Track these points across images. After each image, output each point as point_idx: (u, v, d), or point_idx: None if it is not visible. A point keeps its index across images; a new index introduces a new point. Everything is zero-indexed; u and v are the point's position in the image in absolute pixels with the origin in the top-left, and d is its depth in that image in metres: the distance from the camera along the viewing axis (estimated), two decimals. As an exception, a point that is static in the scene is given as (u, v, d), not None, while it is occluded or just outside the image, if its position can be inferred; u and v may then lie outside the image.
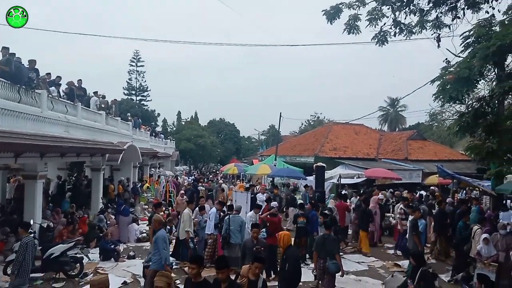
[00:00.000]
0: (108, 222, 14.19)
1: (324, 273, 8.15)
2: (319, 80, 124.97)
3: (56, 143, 11.66)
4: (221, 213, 11.29)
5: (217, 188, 19.36)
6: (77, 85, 15.54)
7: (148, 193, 20.53)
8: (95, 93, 17.80)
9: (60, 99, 13.61)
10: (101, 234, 12.93)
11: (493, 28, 7.88)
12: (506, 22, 7.80)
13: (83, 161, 17.44)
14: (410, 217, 11.22)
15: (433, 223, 12.53)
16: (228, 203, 13.65)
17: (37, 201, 11.74)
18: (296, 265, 7.07)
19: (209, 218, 11.14)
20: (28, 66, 11.36)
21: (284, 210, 18.33)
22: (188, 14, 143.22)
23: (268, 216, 11.02)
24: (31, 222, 10.41)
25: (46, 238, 11.36)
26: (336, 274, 8.16)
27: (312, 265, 11.19)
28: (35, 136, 10.69)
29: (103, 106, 18.01)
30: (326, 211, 12.29)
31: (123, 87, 56.84)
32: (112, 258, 11.56)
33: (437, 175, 19.33)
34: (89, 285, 6.48)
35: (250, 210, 11.58)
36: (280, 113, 29.83)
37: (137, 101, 55.76)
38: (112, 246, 11.96)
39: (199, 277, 5.05)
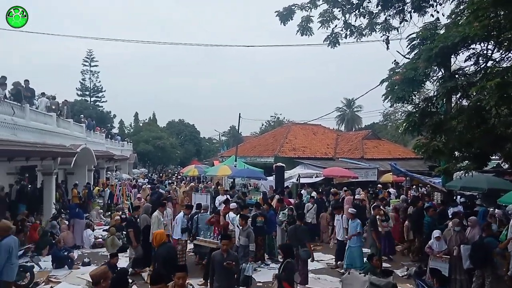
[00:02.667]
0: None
1: (297, 260, 8.78)
2: (280, 82, 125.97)
3: (2, 146, 11.09)
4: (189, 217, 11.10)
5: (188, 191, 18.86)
6: (24, 85, 14.81)
7: (99, 199, 19.84)
8: (43, 93, 17.03)
9: (5, 100, 12.96)
10: (53, 241, 12.41)
11: (438, 31, 8.26)
12: (450, 26, 8.20)
13: (35, 165, 16.69)
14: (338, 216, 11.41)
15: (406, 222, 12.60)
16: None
17: (-17, 208, 11.14)
18: (165, 261, 6.98)
19: (176, 222, 10.84)
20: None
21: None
22: (144, 13, 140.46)
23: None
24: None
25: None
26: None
27: (272, 264, 11.40)
28: (-21, 140, 10.15)
29: (53, 107, 17.30)
30: (285, 211, 12.42)
31: (76, 88, 54.88)
32: (66, 266, 11.13)
33: (391, 173, 20.01)
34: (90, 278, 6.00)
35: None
36: (240, 113, 29.90)
37: (92, 102, 53.94)
38: (66, 253, 11.51)
39: None
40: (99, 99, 55.38)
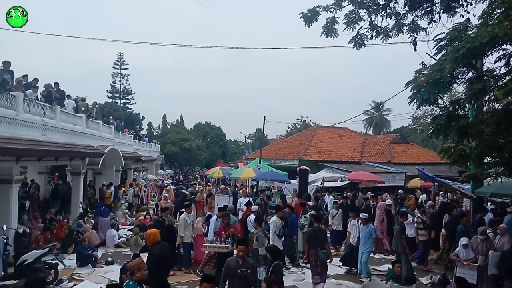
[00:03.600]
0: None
1: (316, 262, 9.11)
2: (305, 84, 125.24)
3: (32, 146, 11.42)
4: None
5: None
6: (54, 88, 15.25)
7: (122, 200, 20.08)
8: (68, 96, 17.44)
9: (37, 101, 13.34)
10: (79, 240, 12.68)
11: (468, 32, 7.93)
12: (481, 26, 7.86)
13: (65, 165, 17.14)
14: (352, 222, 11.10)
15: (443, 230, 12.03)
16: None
17: (13, 206, 11.43)
18: (158, 260, 7.05)
19: (210, 226, 10.76)
20: (2, 68, 11.09)
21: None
22: (172, 18, 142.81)
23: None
24: (4, 228, 10.19)
25: (21, 244, 11.12)
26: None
27: (293, 269, 11.30)
28: (10, 139, 10.44)
29: (83, 109, 17.74)
30: (307, 215, 12.24)
31: (107, 90, 56.28)
32: (90, 264, 11.34)
33: (419, 178, 19.48)
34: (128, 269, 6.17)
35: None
36: (264, 116, 29.72)
37: (121, 105, 55.17)
38: (90, 252, 11.74)
39: None
40: (128, 101, 56.64)
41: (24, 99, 12.06)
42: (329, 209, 15.41)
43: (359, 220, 10.84)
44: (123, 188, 20.15)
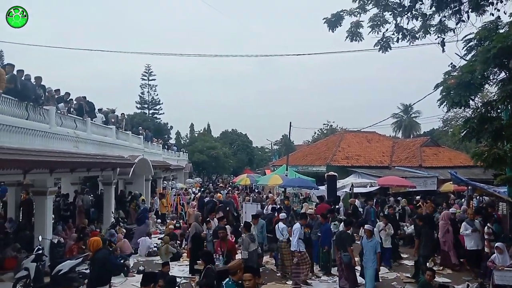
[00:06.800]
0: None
1: (341, 265, 9.62)
2: (331, 88, 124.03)
3: (65, 158, 11.77)
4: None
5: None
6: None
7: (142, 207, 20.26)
8: (100, 109, 17.87)
9: (69, 115, 13.75)
10: (111, 249, 12.91)
11: (499, 31, 7.64)
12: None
13: (97, 175, 17.56)
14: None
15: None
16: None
17: (47, 216, 11.78)
18: (101, 267, 7.16)
19: (293, 233, 10.53)
20: (34, 83, 11.49)
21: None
22: (196, 27, 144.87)
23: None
24: (39, 238, 10.51)
25: (56, 254, 11.44)
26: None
27: (323, 277, 11.15)
28: (44, 152, 10.80)
29: (113, 120, 18.15)
30: (336, 222, 12.07)
31: (136, 101, 57.39)
32: (122, 273, 11.52)
33: (452, 182, 18.90)
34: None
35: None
36: (290, 122, 29.61)
37: (150, 115, 56.20)
38: (122, 261, 11.93)
39: None
40: (156, 111, 57.59)
41: (56, 112, 12.47)
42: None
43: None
44: (142, 197, 20.36)
